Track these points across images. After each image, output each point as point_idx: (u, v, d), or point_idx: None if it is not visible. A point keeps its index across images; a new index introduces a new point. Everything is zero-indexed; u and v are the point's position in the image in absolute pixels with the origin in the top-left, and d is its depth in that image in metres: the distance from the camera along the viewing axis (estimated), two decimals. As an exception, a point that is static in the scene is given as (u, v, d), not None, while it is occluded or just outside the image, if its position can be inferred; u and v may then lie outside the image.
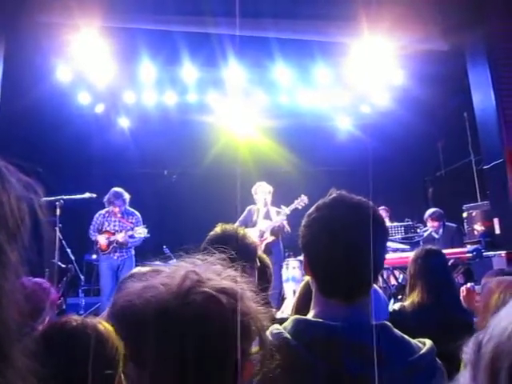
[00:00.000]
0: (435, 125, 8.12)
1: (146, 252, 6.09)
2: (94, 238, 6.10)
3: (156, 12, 5.76)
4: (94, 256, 6.73)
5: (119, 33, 6.09)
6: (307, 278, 1.82)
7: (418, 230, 6.67)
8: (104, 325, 1.42)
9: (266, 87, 7.86)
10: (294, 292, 5.64)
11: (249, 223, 6.10)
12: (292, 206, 6.22)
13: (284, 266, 6.62)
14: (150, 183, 8.46)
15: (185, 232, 6.91)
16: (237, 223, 5.83)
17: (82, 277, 6.75)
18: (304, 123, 8.54)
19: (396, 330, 1.11)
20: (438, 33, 6.06)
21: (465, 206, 6.57)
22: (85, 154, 8.25)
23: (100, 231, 6.08)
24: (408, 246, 6.22)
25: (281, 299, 6.18)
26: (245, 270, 1.95)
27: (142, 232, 5.99)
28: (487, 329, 0.67)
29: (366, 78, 7.22)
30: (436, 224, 6.40)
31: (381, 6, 5.48)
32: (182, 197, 8.51)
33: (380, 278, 5.42)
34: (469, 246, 5.56)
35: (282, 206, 6.29)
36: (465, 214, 6.52)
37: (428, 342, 1.10)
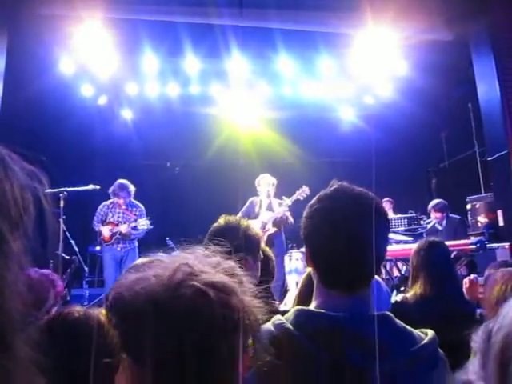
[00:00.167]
0: (439, 116, 8.08)
1: (149, 244, 6.11)
2: (97, 229, 6.13)
3: (159, 3, 5.73)
4: (98, 247, 6.76)
5: (122, 24, 6.07)
6: (309, 269, 1.83)
7: (422, 222, 6.66)
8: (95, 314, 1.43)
9: (270, 78, 7.84)
10: (297, 284, 5.66)
11: (251, 215, 6.11)
12: (294, 197, 6.21)
13: (287, 258, 6.63)
14: (153, 175, 8.47)
15: (188, 224, 6.92)
16: (239, 215, 5.83)
17: (86, 268, 6.79)
18: (307, 114, 8.51)
19: (398, 321, 1.11)
20: (442, 23, 6.02)
21: (468, 198, 6.55)
22: (88, 146, 8.25)
23: (104, 222, 6.11)
24: (411, 238, 6.22)
25: (283, 291, 6.20)
26: (247, 261, 1.96)
27: (144, 224, 6.01)
28: (497, 318, 0.68)
29: (370, 68, 7.18)
30: (439, 215, 6.39)
31: (384, -4, 5.44)
32: (184, 189, 8.52)
33: (383, 270, 5.43)
34: (472, 238, 5.56)
35: (284, 197, 6.29)
36: (468, 206, 6.50)
37: (430, 333, 1.11)
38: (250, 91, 7.99)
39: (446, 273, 2.76)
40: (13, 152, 0.55)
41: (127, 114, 8.70)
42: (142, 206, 6.25)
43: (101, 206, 6.18)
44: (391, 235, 6.07)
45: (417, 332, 1.11)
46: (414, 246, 3.03)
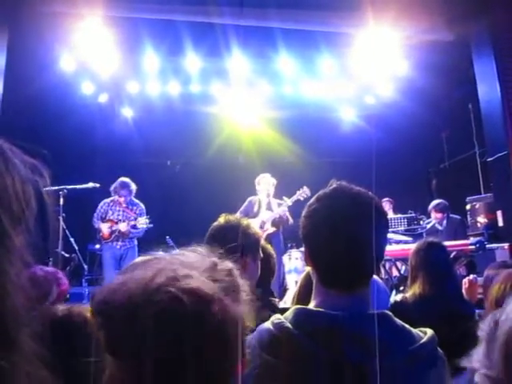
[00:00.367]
0: (440, 116, 8.08)
1: (149, 242, 6.11)
2: (96, 226, 6.14)
3: (160, 1, 5.73)
4: (98, 246, 6.76)
5: (123, 22, 6.07)
6: (308, 268, 1.83)
7: (421, 222, 6.67)
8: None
9: (270, 78, 7.84)
10: (296, 283, 5.67)
11: (249, 214, 6.11)
12: (294, 198, 6.22)
13: (286, 257, 6.64)
14: (154, 173, 8.47)
15: (188, 222, 6.92)
16: (237, 213, 5.84)
17: (86, 266, 6.79)
18: (308, 114, 8.51)
19: (397, 319, 1.12)
20: (443, 23, 6.02)
21: (468, 198, 6.56)
22: (88, 144, 8.26)
23: (103, 219, 6.11)
24: (411, 238, 6.23)
25: (283, 290, 6.21)
26: (246, 261, 1.96)
27: (144, 223, 6.01)
28: (504, 309, 0.69)
29: (371, 68, 7.18)
30: (440, 215, 6.40)
31: (386, -4, 5.44)
32: (185, 187, 8.52)
33: (382, 270, 5.44)
34: (472, 238, 5.56)
35: (284, 198, 6.29)
36: (468, 206, 6.51)
37: (429, 331, 1.11)
38: (250, 90, 7.99)
39: (444, 273, 2.77)
40: (14, 145, 0.54)
41: (128, 112, 8.70)
42: (142, 204, 6.26)
43: (101, 204, 6.19)
44: (391, 235, 6.08)
45: (416, 331, 1.11)
46: (413, 246, 3.04)
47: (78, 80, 7.27)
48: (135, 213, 6.15)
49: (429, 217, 6.66)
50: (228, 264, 0.78)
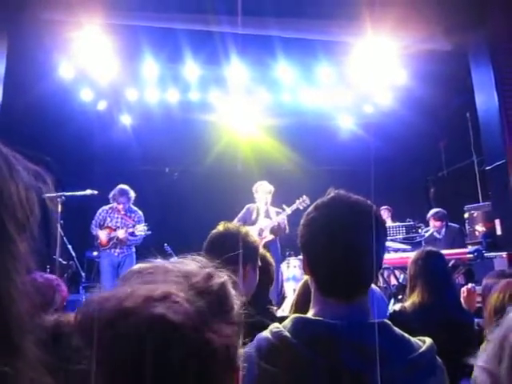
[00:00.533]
0: (438, 125, 8.11)
1: (147, 249, 6.08)
2: (94, 233, 6.12)
3: (159, 9, 5.76)
4: (95, 253, 6.75)
5: (122, 30, 6.09)
6: (306, 277, 1.83)
7: (420, 231, 6.67)
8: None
9: (269, 86, 7.86)
10: (295, 291, 5.66)
11: (247, 221, 6.11)
12: (293, 206, 6.22)
13: (285, 265, 6.63)
14: (152, 181, 8.46)
15: (186, 230, 6.92)
16: (235, 221, 5.83)
17: (83, 273, 6.77)
18: (306, 122, 8.53)
19: (395, 328, 1.11)
20: (441, 33, 6.05)
21: (466, 207, 6.56)
22: (87, 151, 8.26)
23: (101, 226, 6.10)
24: (409, 246, 6.22)
25: (281, 298, 6.19)
26: (247, 270, 1.96)
27: (142, 230, 6.00)
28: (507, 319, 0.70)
29: (369, 77, 7.22)
30: (438, 224, 6.40)
31: (384, 5, 5.47)
32: (183, 195, 8.52)
33: (380, 278, 5.43)
34: (470, 247, 5.56)
35: (284, 206, 6.29)
36: (466, 215, 6.51)
37: (428, 340, 1.11)
38: (249, 98, 8.02)
39: (443, 282, 2.76)
40: (17, 152, 0.55)
41: (126, 120, 8.72)
42: (140, 212, 6.25)
43: (100, 211, 6.18)
44: (389, 243, 6.08)
45: (415, 340, 1.11)
46: (411, 255, 3.03)
47: (76, 87, 7.29)
48: (133, 220, 6.14)
49: (427, 225, 6.66)
50: (223, 276, 0.76)
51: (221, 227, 2.06)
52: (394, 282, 5.75)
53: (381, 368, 0.98)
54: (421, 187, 9.14)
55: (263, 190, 6.28)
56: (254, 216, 6.24)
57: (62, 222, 5.49)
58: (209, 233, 2.08)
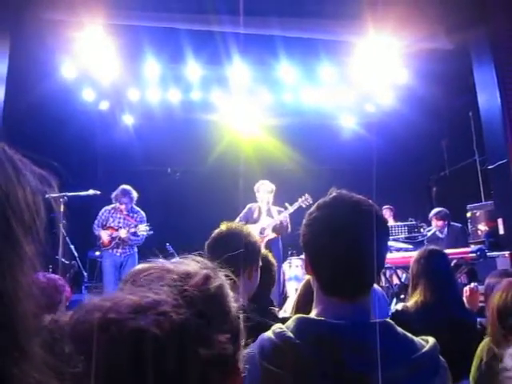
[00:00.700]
0: (440, 124, 8.10)
1: (149, 249, 6.08)
2: (97, 233, 6.13)
3: (160, 9, 5.76)
4: (98, 253, 6.75)
5: (124, 30, 6.10)
6: (308, 277, 1.82)
7: (422, 230, 6.66)
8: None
9: (271, 85, 7.86)
10: (297, 290, 5.66)
11: (249, 220, 6.11)
12: (296, 205, 6.21)
13: (287, 265, 6.63)
14: (154, 181, 8.47)
15: (188, 230, 6.91)
16: (237, 220, 5.84)
17: (85, 273, 6.77)
18: (308, 121, 8.53)
19: (398, 328, 1.11)
20: (442, 32, 6.04)
21: (469, 206, 6.55)
22: (89, 151, 8.27)
23: (104, 226, 6.11)
24: (411, 246, 6.21)
25: (283, 298, 6.19)
26: (251, 270, 1.96)
27: (144, 230, 6.01)
28: None
29: (371, 76, 7.21)
30: (441, 223, 6.39)
31: (386, 4, 5.46)
32: (185, 194, 8.52)
33: (383, 278, 5.42)
34: (472, 246, 5.55)
35: (286, 204, 6.29)
36: (469, 214, 6.50)
37: (431, 340, 1.11)
38: (250, 98, 8.02)
39: (445, 281, 2.76)
40: (22, 155, 0.56)
41: (128, 120, 8.73)
42: (143, 212, 6.26)
43: (102, 211, 6.19)
44: (391, 243, 6.07)
45: (418, 339, 1.11)
46: (414, 254, 3.03)
47: (78, 87, 7.30)
48: (136, 220, 6.15)
49: (429, 224, 6.65)
50: (221, 278, 0.75)
51: (224, 227, 2.06)
52: (396, 281, 5.75)
53: (384, 368, 0.97)
54: (423, 186, 9.12)
55: (265, 190, 6.27)
56: (255, 215, 6.23)
57: (64, 222, 5.50)
58: (211, 233, 2.08)
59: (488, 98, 5.87)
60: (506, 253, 5.16)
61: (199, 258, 0.80)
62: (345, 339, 1.04)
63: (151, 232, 6.08)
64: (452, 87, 7.24)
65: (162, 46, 6.44)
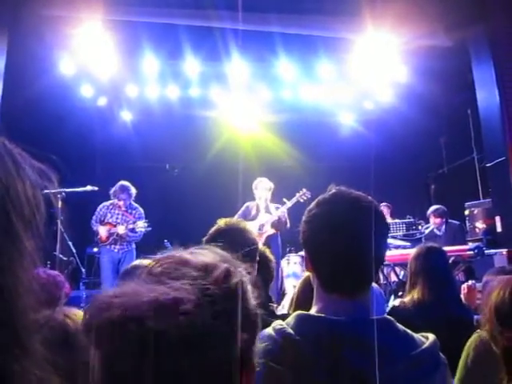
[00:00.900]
0: (438, 121, 8.10)
1: (147, 246, 6.09)
2: (95, 229, 6.13)
3: (159, 5, 5.74)
4: (96, 249, 6.75)
5: (122, 26, 6.08)
6: (307, 273, 1.83)
7: (420, 227, 6.67)
8: (75, 318, 1.41)
9: (269, 82, 7.85)
10: (295, 287, 5.65)
11: (247, 218, 6.10)
12: (294, 200, 6.21)
13: (285, 262, 6.63)
14: (152, 177, 8.46)
15: (186, 226, 6.91)
16: (235, 218, 5.83)
17: (83, 269, 6.77)
18: (307, 118, 8.53)
19: (399, 325, 1.12)
20: (441, 29, 6.04)
21: (467, 204, 6.56)
22: (87, 147, 8.25)
23: (102, 222, 6.10)
24: (409, 243, 6.22)
25: (281, 294, 6.19)
26: (253, 266, 1.96)
27: (142, 226, 6.00)
28: None
29: (370, 73, 7.20)
30: (438, 221, 6.40)
31: (385, 1, 5.46)
32: (184, 191, 8.52)
33: (381, 275, 5.43)
34: (470, 244, 5.56)
35: (284, 199, 6.28)
36: (467, 212, 6.51)
37: (431, 337, 1.11)
38: (249, 94, 8.01)
39: (444, 278, 2.76)
40: (23, 150, 0.55)
41: (127, 116, 8.71)
42: (141, 209, 6.25)
43: (100, 206, 6.18)
44: (389, 240, 6.08)
45: (418, 336, 1.11)
46: (411, 251, 3.03)
47: (77, 83, 7.27)
48: (134, 216, 6.14)
49: (427, 222, 6.66)
50: (241, 273, 0.73)
51: (222, 222, 2.06)
52: (394, 278, 5.76)
53: (384, 364, 0.98)
54: (421, 184, 9.12)
55: (263, 187, 6.26)
56: (253, 212, 6.23)
57: (62, 218, 5.49)
58: (209, 229, 2.08)
59: (487, 95, 5.88)
60: (504, 250, 5.17)
61: (217, 249, 0.78)
62: (345, 336, 1.04)
63: (149, 228, 6.07)
64: (451, 85, 7.24)
65: (161, 42, 6.43)
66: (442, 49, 6.32)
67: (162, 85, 7.78)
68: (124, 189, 6.07)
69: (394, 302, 3.09)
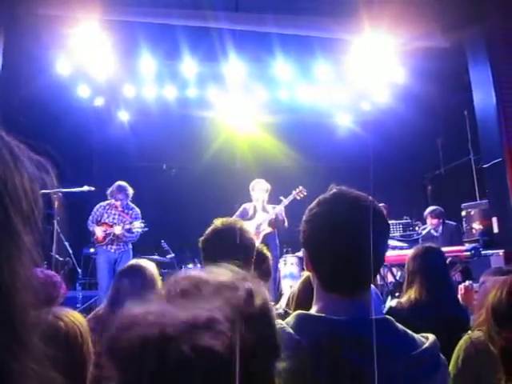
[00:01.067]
0: (435, 122, 8.12)
1: (144, 246, 6.08)
2: (91, 229, 6.10)
3: (156, 5, 5.74)
4: (92, 249, 6.72)
5: (119, 26, 6.07)
6: (306, 273, 1.82)
7: (417, 228, 6.67)
8: (67, 319, 1.40)
9: (266, 82, 7.86)
10: (291, 287, 5.65)
11: (244, 219, 6.09)
12: (290, 197, 6.21)
13: (282, 262, 6.62)
14: (149, 177, 8.45)
15: (183, 226, 6.91)
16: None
17: (80, 270, 6.74)
18: (304, 119, 8.54)
19: (399, 325, 1.11)
20: (438, 30, 6.05)
21: (463, 205, 6.58)
22: (84, 148, 8.23)
23: (98, 222, 6.08)
24: (406, 244, 6.23)
25: (278, 295, 6.18)
26: (245, 267, 1.95)
27: (138, 227, 5.98)
28: None
29: (367, 74, 7.21)
30: (435, 221, 6.41)
31: (381, 2, 5.47)
32: (181, 191, 8.50)
33: (378, 276, 5.43)
34: (467, 245, 5.57)
35: (281, 197, 6.28)
36: (463, 213, 6.52)
37: (431, 337, 1.11)
38: (246, 95, 8.01)
39: (441, 278, 2.77)
40: (21, 142, 0.54)
41: (124, 116, 8.70)
42: (138, 209, 6.23)
43: (97, 206, 6.16)
44: (387, 241, 6.07)
45: (418, 336, 1.11)
46: (408, 252, 3.04)
47: (74, 83, 7.25)
48: (131, 217, 6.12)
49: (424, 223, 6.67)
50: (263, 293, 0.72)
51: (219, 222, 2.06)
52: (391, 279, 5.76)
53: (384, 364, 0.97)
54: (418, 185, 9.14)
55: (260, 188, 6.25)
56: (250, 213, 6.22)
57: (58, 218, 5.47)
58: (206, 229, 2.08)
59: (483, 96, 5.89)
60: (500, 251, 5.18)
61: (231, 267, 0.76)
62: (345, 335, 1.04)
63: (146, 229, 6.05)
64: (447, 85, 7.26)
65: (158, 42, 6.43)
66: (438, 50, 6.34)
67: (159, 85, 7.77)
68: (121, 189, 6.05)
69: (390, 302, 3.09)
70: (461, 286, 3.23)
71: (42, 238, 0.54)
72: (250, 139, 8.63)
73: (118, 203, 6.06)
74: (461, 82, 6.53)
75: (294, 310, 1.55)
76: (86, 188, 5.70)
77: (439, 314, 2.54)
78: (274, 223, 6.14)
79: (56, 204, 5.33)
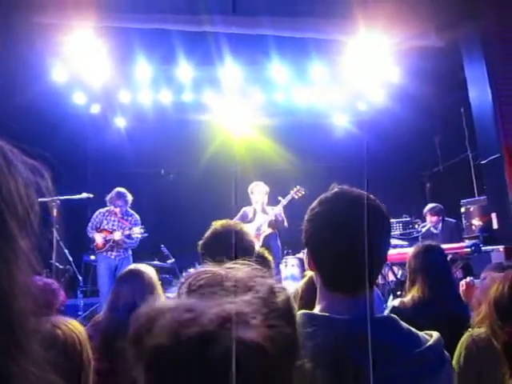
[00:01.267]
0: (432, 121, 8.13)
1: (143, 251, 6.06)
2: (90, 235, 6.10)
3: (151, 11, 5.74)
4: (93, 257, 6.71)
5: (114, 32, 6.08)
6: (310, 273, 1.81)
7: (416, 226, 6.67)
8: (65, 328, 1.40)
9: (263, 85, 7.86)
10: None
11: (244, 221, 6.08)
12: (288, 197, 6.21)
13: (283, 264, 6.61)
14: (147, 183, 8.44)
15: (182, 231, 6.89)
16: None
17: (80, 277, 6.73)
18: (300, 121, 8.54)
19: (403, 323, 1.11)
20: (433, 29, 6.07)
21: (462, 201, 6.59)
22: (81, 155, 8.22)
23: (98, 229, 6.07)
24: (406, 242, 6.23)
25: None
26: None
27: (138, 233, 5.98)
28: None
29: (362, 75, 7.22)
30: (435, 219, 6.40)
31: (376, 3, 5.49)
32: (179, 196, 8.50)
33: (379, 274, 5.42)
34: (467, 241, 5.57)
35: (279, 197, 6.28)
36: (463, 209, 6.53)
37: (435, 334, 1.10)
38: (243, 98, 8.01)
39: (443, 276, 2.76)
40: (15, 147, 0.54)
41: (120, 122, 8.69)
42: (137, 215, 6.23)
43: (96, 213, 6.16)
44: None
45: (422, 334, 1.11)
46: (409, 250, 3.03)
47: (69, 91, 7.25)
48: (130, 223, 6.11)
49: (424, 220, 6.67)
50: (285, 291, 0.71)
51: (218, 225, 2.05)
52: (392, 278, 5.75)
53: (389, 362, 0.97)
54: (416, 183, 9.15)
55: (259, 191, 6.26)
56: (250, 215, 6.22)
57: (57, 226, 5.45)
58: (204, 233, 2.07)
59: (479, 93, 5.91)
60: (501, 247, 5.18)
61: (247, 263, 0.76)
62: (349, 334, 1.03)
63: (146, 234, 6.05)
64: (443, 84, 7.28)
65: (154, 48, 6.43)
66: (433, 49, 6.35)
67: (155, 90, 7.78)
68: (120, 195, 6.05)
69: (393, 302, 3.08)
70: (462, 283, 3.23)
71: (40, 243, 0.54)
72: (248, 142, 8.63)
73: (118, 210, 6.06)
74: (456, 80, 6.54)
75: (298, 309, 1.55)
76: (84, 195, 5.69)
77: (442, 311, 2.54)
78: (273, 224, 6.14)
79: (54, 212, 5.31)
